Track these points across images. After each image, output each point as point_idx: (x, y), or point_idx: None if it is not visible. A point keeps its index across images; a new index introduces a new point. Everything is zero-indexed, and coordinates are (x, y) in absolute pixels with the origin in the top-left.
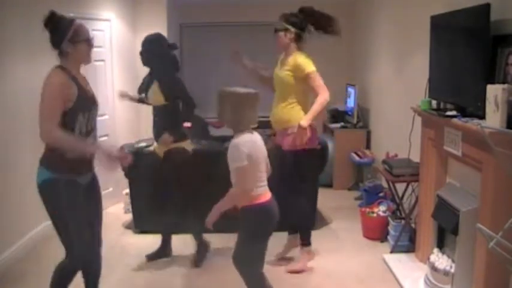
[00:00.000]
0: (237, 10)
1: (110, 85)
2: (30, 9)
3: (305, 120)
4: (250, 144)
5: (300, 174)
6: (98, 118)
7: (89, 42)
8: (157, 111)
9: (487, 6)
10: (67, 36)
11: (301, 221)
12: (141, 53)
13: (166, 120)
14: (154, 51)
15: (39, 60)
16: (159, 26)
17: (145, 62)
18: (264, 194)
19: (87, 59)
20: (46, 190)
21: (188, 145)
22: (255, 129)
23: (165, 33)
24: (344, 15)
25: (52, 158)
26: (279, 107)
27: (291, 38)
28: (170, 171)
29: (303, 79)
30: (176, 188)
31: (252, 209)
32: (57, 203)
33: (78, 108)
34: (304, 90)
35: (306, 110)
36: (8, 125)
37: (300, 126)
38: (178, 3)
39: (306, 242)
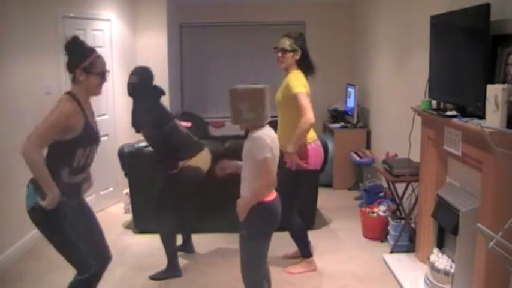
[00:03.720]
0: (237, 10)
1: (110, 85)
2: (31, 9)
3: (291, 146)
4: (270, 139)
5: (298, 193)
6: (98, 118)
7: (102, 76)
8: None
9: (487, 6)
10: (82, 65)
11: (296, 238)
12: (128, 84)
13: (158, 153)
14: (137, 85)
15: (39, 60)
16: (158, 26)
17: (130, 94)
18: (273, 192)
19: (97, 91)
20: (40, 214)
21: (202, 159)
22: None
23: (165, 33)
24: (344, 15)
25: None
26: (281, 127)
27: (297, 59)
28: (181, 186)
29: (292, 99)
30: (177, 189)
31: (263, 206)
32: (54, 226)
33: (80, 143)
34: (297, 109)
35: None
36: (8, 125)
37: (287, 153)
38: (178, 3)
39: (305, 255)
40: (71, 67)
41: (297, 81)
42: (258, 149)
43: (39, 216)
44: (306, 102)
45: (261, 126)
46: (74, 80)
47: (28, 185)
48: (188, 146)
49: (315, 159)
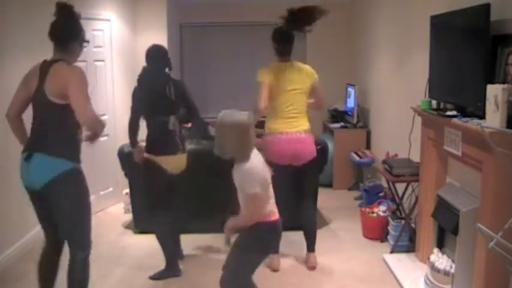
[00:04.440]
0: (237, 10)
1: (110, 85)
2: (31, 9)
3: None
4: (261, 168)
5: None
6: None
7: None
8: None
9: (487, 6)
10: (81, 36)
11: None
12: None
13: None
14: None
15: (39, 60)
16: (158, 26)
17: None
18: (274, 212)
19: (77, 58)
20: (70, 180)
21: (169, 161)
22: None
23: (165, 33)
24: (344, 15)
25: (72, 148)
26: None
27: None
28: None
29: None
30: (175, 189)
31: (261, 226)
32: (80, 192)
33: None
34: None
35: (275, 118)
36: (7, 125)
37: None
38: (178, 3)
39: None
40: (70, 39)
41: (262, 70)
42: (249, 183)
43: (72, 179)
44: (260, 92)
45: (248, 156)
46: (64, 50)
47: (43, 157)
48: (164, 145)
49: (265, 151)
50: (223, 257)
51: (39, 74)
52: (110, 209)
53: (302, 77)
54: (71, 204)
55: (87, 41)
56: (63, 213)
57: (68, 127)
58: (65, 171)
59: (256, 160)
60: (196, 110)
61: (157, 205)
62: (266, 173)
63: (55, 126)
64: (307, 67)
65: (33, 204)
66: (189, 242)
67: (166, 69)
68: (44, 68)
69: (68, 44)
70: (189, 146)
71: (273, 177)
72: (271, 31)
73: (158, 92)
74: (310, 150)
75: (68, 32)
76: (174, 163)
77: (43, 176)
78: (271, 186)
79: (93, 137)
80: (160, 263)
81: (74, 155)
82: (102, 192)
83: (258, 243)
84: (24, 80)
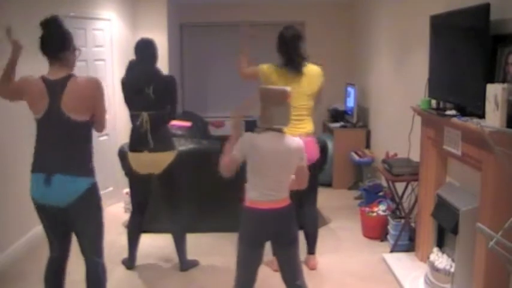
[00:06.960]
0: (237, 10)
1: (110, 85)
2: (31, 8)
3: None
4: (250, 143)
5: None
6: None
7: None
8: None
9: (487, 6)
10: (73, 44)
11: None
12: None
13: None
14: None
15: (39, 60)
16: (159, 26)
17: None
18: (259, 202)
19: (73, 67)
20: (93, 196)
21: (136, 159)
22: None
23: (165, 33)
24: (344, 15)
25: (91, 164)
26: None
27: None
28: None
29: None
30: (175, 188)
31: (243, 210)
32: (99, 203)
33: None
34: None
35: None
36: (7, 125)
37: None
38: (179, 3)
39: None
40: (61, 49)
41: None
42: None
43: (94, 194)
44: (250, 68)
45: (261, 128)
46: (58, 61)
47: (66, 178)
48: (132, 141)
49: None
50: (223, 257)
51: (47, 92)
52: (110, 209)
53: (309, 79)
54: (95, 216)
55: (79, 50)
56: (89, 225)
57: (87, 143)
58: (88, 188)
59: (253, 136)
60: (174, 112)
61: (131, 201)
62: (265, 155)
63: (76, 144)
64: (316, 69)
65: (47, 219)
66: (189, 241)
67: (152, 64)
68: (53, 86)
69: (59, 55)
70: (189, 145)
71: None
72: (278, 35)
73: (135, 86)
74: (312, 154)
75: (57, 44)
76: (139, 161)
77: (67, 196)
78: (265, 175)
79: None
80: (160, 263)
81: (93, 169)
82: (102, 192)
83: (240, 228)
84: (29, 94)
